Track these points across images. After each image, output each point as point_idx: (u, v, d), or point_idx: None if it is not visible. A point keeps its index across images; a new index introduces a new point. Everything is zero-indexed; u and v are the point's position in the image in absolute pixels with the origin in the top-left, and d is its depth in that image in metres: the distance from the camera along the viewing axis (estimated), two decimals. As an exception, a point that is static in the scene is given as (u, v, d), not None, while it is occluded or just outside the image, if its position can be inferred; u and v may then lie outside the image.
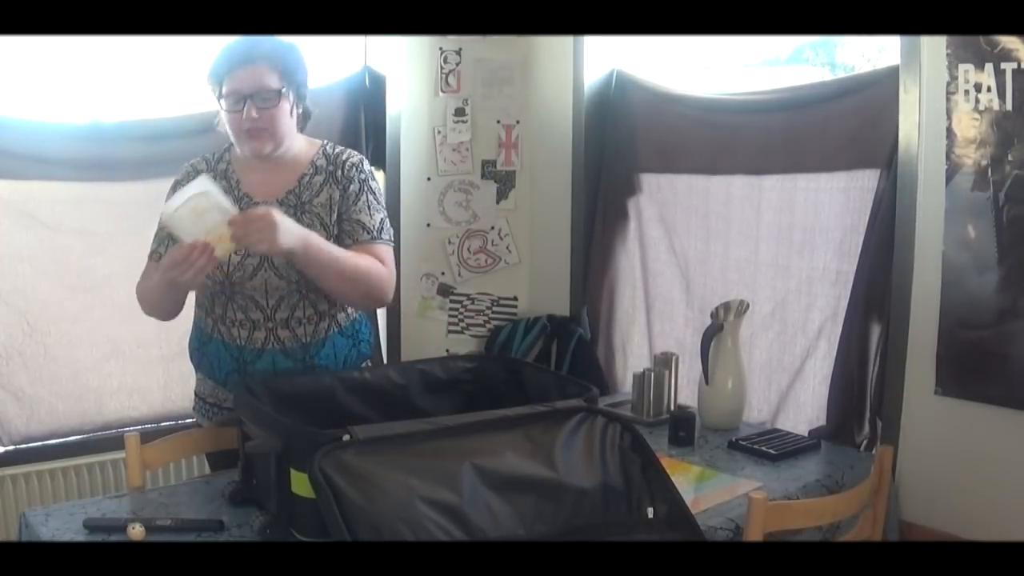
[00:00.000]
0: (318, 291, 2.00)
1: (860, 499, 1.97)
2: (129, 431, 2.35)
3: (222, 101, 1.94)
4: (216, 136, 2.06)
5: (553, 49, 3.13)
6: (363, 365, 2.17)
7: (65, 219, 2.70)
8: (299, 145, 2.06)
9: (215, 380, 2.09)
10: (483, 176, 3.24)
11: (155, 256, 2.04)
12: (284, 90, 1.93)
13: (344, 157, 2.08)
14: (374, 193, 2.08)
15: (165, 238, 2.02)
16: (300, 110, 2.02)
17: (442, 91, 3.17)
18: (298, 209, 2.00)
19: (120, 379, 2.84)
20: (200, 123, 2.80)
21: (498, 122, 3.22)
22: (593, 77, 3.09)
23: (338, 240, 2.01)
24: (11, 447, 2.71)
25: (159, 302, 2.01)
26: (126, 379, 2.85)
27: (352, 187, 2.04)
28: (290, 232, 1.81)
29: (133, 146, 2.76)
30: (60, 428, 2.78)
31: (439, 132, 3.18)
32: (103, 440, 2.81)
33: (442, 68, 3.16)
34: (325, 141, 2.12)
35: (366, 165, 2.10)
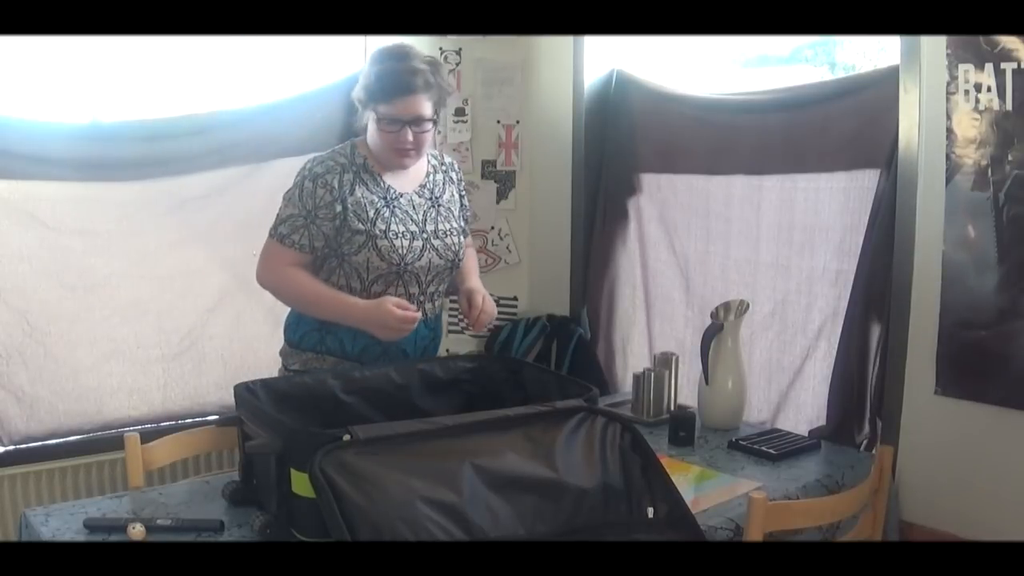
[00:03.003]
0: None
1: (860, 499, 1.97)
2: (129, 431, 2.35)
3: (378, 120, 2.05)
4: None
5: (553, 49, 3.13)
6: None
7: (65, 219, 2.69)
8: None
9: (341, 355, 2.12)
10: (483, 176, 3.24)
11: (288, 242, 2.07)
12: (436, 118, 2.10)
13: (448, 159, 2.32)
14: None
15: (302, 227, 2.06)
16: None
17: (442, 91, 3.17)
18: (433, 203, 2.20)
19: (120, 379, 2.84)
20: (200, 123, 2.81)
21: (498, 122, 3.22)
22: (593, 77, 3.09)
23: (465, 233, 2.29)
24: (11, 447, 2.71)
25: (319, 316, 2.12)
26: (126, 379, 2.84)
27: (466, 190, 2.33)
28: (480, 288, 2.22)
29: (133, 146, 2.75)
30: (60, 428, 2.77)
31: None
32: (103, 440, 2.80)
33: (442, 68, 3.16)
34: None
35: None
